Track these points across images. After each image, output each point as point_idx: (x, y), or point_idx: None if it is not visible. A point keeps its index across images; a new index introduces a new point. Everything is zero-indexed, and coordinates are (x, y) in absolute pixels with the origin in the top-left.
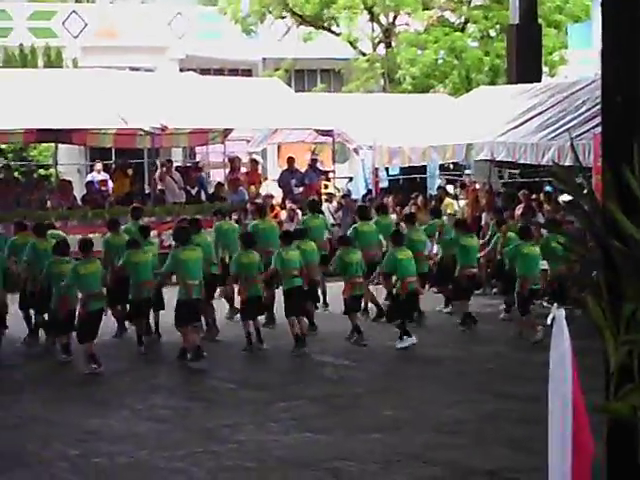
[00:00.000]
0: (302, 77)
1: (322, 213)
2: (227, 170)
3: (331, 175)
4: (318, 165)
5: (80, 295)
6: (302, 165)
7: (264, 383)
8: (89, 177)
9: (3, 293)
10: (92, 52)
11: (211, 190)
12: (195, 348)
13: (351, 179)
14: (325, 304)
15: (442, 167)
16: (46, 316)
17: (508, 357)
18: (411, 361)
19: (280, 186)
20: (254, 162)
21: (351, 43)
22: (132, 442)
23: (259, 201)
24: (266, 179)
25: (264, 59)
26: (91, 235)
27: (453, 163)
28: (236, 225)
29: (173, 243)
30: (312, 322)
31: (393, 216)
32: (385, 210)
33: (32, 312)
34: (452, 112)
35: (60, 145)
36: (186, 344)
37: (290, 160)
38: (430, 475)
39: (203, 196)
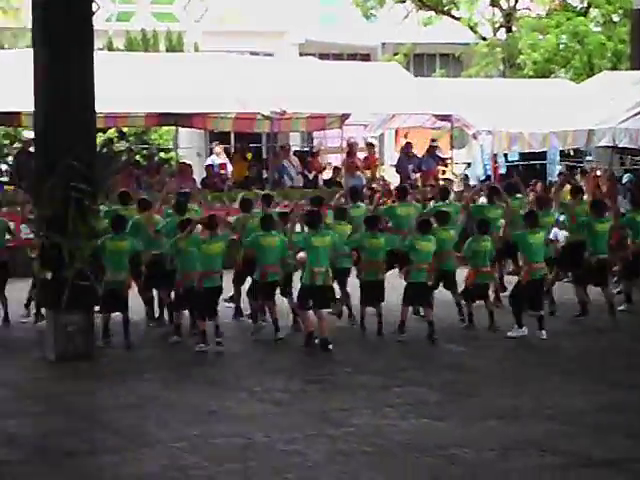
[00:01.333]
0: (421, 62)
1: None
2: (344, 155)
3: (449, 161)
4: (437, 152)
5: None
6: (420, 151)
7: (381, 368)
8: (209, 160)
9: (125, 276)
10: (213, 36)
11: (329, 175)
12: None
13: (469, 165)
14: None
15: (562, 153)
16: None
17: (628, 347)
18: (530, 349)
19: (397, 171)
20: (370, 146)
21: (471, 27)
22: (249, 423)
23: (374, 186)
24: (382, 164)
25: (383, 44)
26: None
27: (574, 149)
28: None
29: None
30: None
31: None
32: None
33: (155, 293)
34: (573, 97)
35: (180, 129)
36: (306, 329)
37: (408, 145)
38: (548, 464)
39: (321, 181)
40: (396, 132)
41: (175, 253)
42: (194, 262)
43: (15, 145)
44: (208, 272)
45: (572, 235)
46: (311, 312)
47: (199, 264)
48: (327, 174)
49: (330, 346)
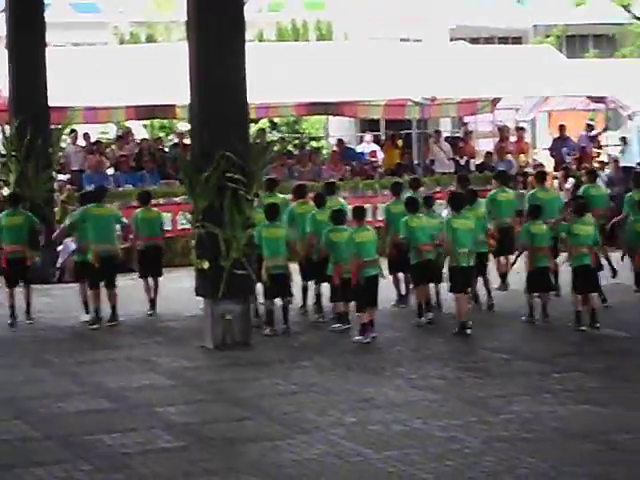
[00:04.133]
0: (574, 43)
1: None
2: (496, 139)
3: (604, 142)
4: (592, 132)
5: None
6: (574, 134)
7: (537, 354)
8: (359, 148)
9: (285, 262)
10: (362, 25)
11: (480, 160)
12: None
13: (624, 142)
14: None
15: None
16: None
17: None
18: None
19: (552, 155)
20: (521, 130)
21: (625, 7)
22: (406, 410)
23: (528, 170)
24: (535, 148)
25: (535, 26)
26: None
27: None
28: (512, 194)
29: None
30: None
31: None
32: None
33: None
34: None
35: (331, 117)
36: (460, 315)
37: (562, 128)
38: None
39: (472, 166)
40: (549, 115)
41: (328, 245)
42: (344, 253)
43: (170, 137)
44: (365, 260)
45: None
46: (461, 295)
47: (352, 254)
48: (479, 159)
49: (469, 330)
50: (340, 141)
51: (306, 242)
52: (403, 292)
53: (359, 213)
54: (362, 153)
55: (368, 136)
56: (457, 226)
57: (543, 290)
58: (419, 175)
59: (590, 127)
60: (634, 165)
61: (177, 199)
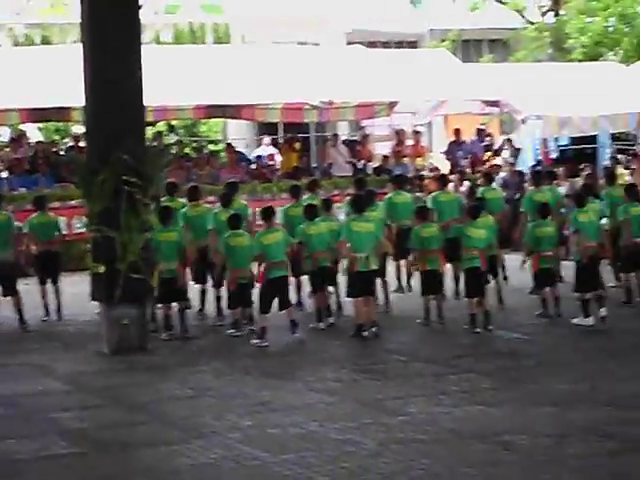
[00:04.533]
0: (469, 47)
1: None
2: (393, 143)
3: (496, 146)
4: (484, 137)
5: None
6: (470, 137)
7: (434, 356)
8: (257, 151)
9: (177, 266)
10: (259, 28)
11: (377, 164)
12: (369, 322)
13: (518, 150)
14: (505, 278)
15: (614, 137)
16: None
17: None
18: (585, 334)
19: (447, 158)
20: (418, 134)
21: (519, 12)
22: (303, 413)
23: (424, 173)
24: (431, 151)
25: (430, 30)
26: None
27: (625, 133)
28: (409, 197)
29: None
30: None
31: (562, 189)
32: (554, 178)
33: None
34: (623, 80)
35: (229, 120)
36: (357, 318)
37: (457, 132)
38: (606, 449)
39: (369, 170)
40: (445, 119)
41: (226, 249)
42: (245, 258)
43: (66, 140)
44: (273, 262)
45: (611, 220)
46: (359, 299)
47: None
48: (376, 163)
49: (365, 333)
50: (229, 145)
51: (198, 245)
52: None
53: (267, 214)
54: (260, 156)
55: (266, 139)
56: (357, 229)
57: (436, 292)
58: (317, 178)
59: (481, 132)
60: (526, 169)
61: (72, 202)
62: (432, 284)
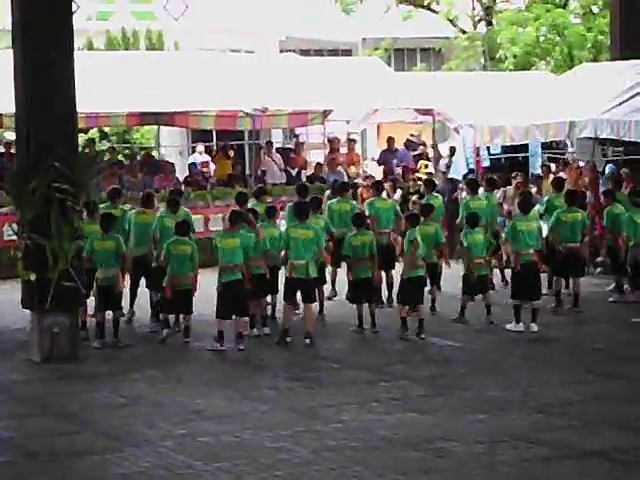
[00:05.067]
0: (402, 56)
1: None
2: (326, 151)
3: (428, 154)
4: (414, 145)
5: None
6: (402, 145)
7: (367, 363)
8: (191, 159)
9: (115, 273)
10: (193, 35)
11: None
12: (305, 331)
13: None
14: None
15: (544, 145)
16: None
17: (615, 337)
18: (517, 341)
19: (380, 165)
20: (352, 142)
21: (451, 21)
22: (237, 422)
23: (358, 181)
24: (365, 159)
25: (364, 39)
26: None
27: (555, 141)
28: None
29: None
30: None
31: (498, 194)
32: (494, 186)
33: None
34: (554, 90)
35: (162, 127)
36: (283, 323)
37: (390, 140)
38: (537, 456)
39: (304, 177)
40: (378, 127)
41: (168, 255)
42: (185, 265)
43: None
44: (226, 266)
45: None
46: (289, 305)
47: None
48: (310, 170)
49: (288, 339)
50: (148, 154)
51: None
52: None
53: (235, 218)
54: (194, 164)
55: (200, 147)
56: (295, 236)
57: (367, 301)
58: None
59: (410, 142)
60: (459, 177)
61: (3, 210)
62: (362, 292)
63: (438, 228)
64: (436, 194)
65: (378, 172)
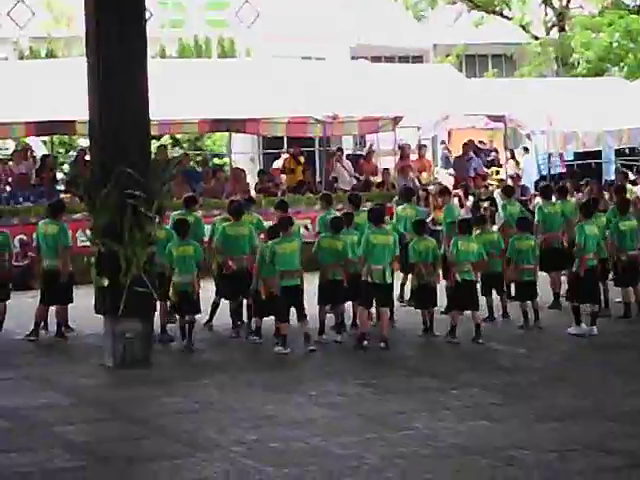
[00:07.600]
0: (473, 63)
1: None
2: (397, 157)
3: (502, 161)
4: (484, 153)
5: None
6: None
7: (437, 371)
8: (275, 165)
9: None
10: (264, 42)
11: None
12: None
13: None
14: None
15: (618, 152)
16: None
17: None
18: (589, 348)
19: (454, 170)
20: (423, 148)
21: (523, 27)
22: (307, 428)
23: (431, 188)
24: (436, 166)
25: (435, 45)
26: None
27: (629, 148)
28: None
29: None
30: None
31: (573, 200)
32: (565, 193)
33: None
34: (628, 96)
35: (234, 134)
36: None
37: (465, 146)
38: (609, 465)
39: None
40: (449, 134)
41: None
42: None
43: (70, 153)
44: (286, 271)
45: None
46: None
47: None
48: (380, 177)
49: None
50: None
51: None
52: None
53: (284, 224)
54: (263, 170)
55: (286, 155)
56: (375, 242)
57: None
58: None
59: (479, 149)
60: (530, 184)
61: (77, 216)
62: (426, 297)
63: (498, 235)
64: (514, 201)
65: (448, 179)
